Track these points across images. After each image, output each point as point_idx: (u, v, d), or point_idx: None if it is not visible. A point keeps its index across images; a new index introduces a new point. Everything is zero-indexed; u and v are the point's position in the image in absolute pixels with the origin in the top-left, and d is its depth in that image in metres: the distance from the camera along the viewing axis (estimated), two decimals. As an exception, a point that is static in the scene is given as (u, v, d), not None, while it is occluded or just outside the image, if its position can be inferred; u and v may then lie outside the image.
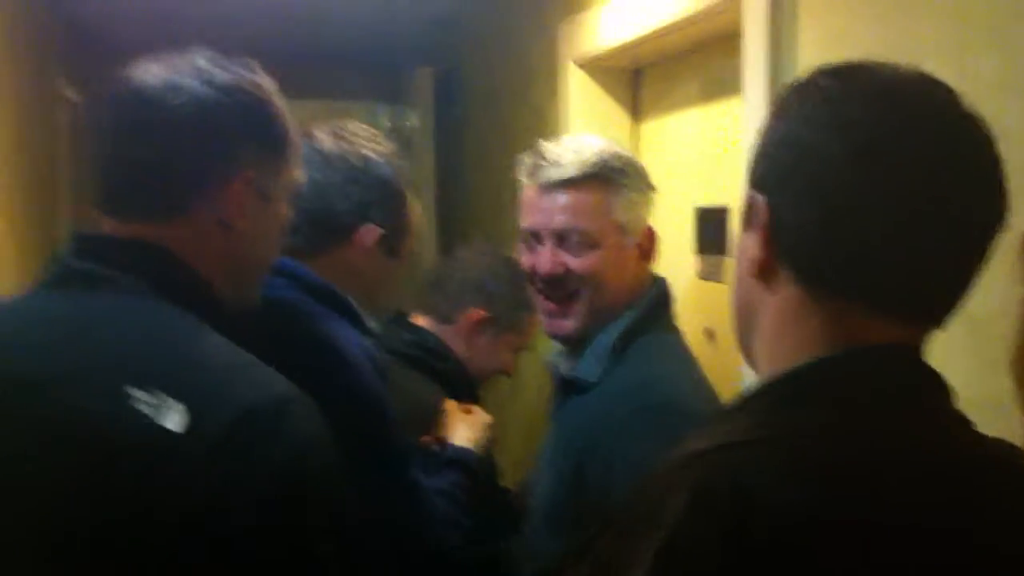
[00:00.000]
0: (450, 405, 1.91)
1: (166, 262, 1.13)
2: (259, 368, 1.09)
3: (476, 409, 1.71)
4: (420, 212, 1.74)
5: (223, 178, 1.16)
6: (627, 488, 1.28)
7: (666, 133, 2.68)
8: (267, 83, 1.24)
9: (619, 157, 1.67)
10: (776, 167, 0.88)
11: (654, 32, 2.33)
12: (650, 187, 1.69)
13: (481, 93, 3.98)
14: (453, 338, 1.99)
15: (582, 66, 2.82)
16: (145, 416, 1.00)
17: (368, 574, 1.23)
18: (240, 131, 1.18)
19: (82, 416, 1.02)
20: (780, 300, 0.89)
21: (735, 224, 1.02)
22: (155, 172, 1.14)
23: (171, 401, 1.00)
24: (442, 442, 1.82)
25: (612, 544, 0.82)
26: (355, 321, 1.57)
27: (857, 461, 0.81)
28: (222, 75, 1.18)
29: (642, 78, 2.83)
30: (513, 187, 3.56)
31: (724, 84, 2.29)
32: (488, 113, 3.86)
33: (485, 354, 2.02)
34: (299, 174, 1.30)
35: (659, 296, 1.53)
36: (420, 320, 2.01)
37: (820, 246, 0.85)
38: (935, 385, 0.89)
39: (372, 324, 1.62)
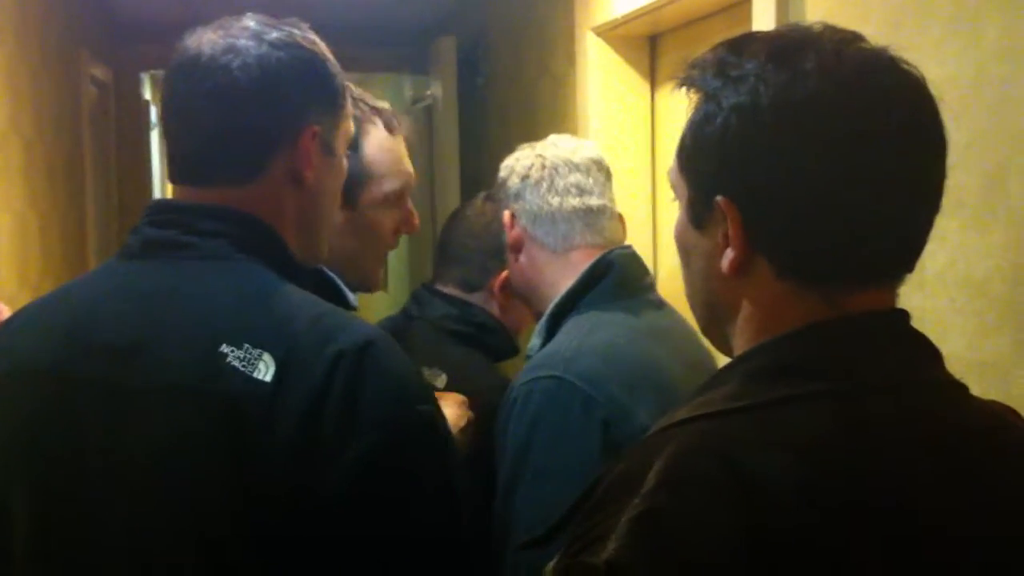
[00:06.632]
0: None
1: (246, 224, 1.16)
2: (342, 315, 1.13)
3: (448, 394, 1.66)
4: (391, 149, 1.66)
5: (294, 135, 1.18)
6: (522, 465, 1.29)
7: (684, 100, 2.68)
8: (317, 38, 1.25)
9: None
10: (733, 167, 0.86)
11: (669, -1, 2.34)
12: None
13: (503, 62, 3.99)
14: (487, 302, 1.98)
15: (599, 34, 2.83)
16: (238, 370, 1.03)
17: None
18: (304, 86, 1.20)
19: (178, 379, 1.05)
20: (760, 292, 0.88)
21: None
22: (232, 137, 1.16)
23: (260, 352, 1.04)
24: None
25: (590, 515, 0.82)
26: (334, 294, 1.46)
27: (842, 429, 0.81)
28: (276, 33, 1.19)
29: (659, 45, 2.83)
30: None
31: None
32: (510, 82, 3.88)
33: (519, 308, 2.01)
34: (351, 127, 1.32)
35: (594, 269, 1.48)
36: (447, 289, 1.99)
37: (802, 239, 0.85)
38: (925, 350, 0.89)
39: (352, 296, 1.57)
